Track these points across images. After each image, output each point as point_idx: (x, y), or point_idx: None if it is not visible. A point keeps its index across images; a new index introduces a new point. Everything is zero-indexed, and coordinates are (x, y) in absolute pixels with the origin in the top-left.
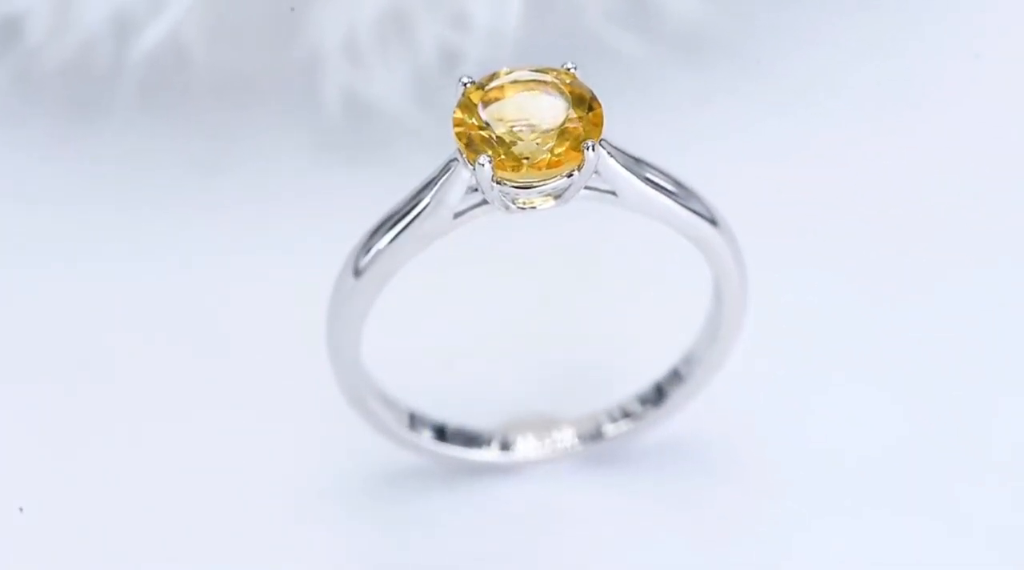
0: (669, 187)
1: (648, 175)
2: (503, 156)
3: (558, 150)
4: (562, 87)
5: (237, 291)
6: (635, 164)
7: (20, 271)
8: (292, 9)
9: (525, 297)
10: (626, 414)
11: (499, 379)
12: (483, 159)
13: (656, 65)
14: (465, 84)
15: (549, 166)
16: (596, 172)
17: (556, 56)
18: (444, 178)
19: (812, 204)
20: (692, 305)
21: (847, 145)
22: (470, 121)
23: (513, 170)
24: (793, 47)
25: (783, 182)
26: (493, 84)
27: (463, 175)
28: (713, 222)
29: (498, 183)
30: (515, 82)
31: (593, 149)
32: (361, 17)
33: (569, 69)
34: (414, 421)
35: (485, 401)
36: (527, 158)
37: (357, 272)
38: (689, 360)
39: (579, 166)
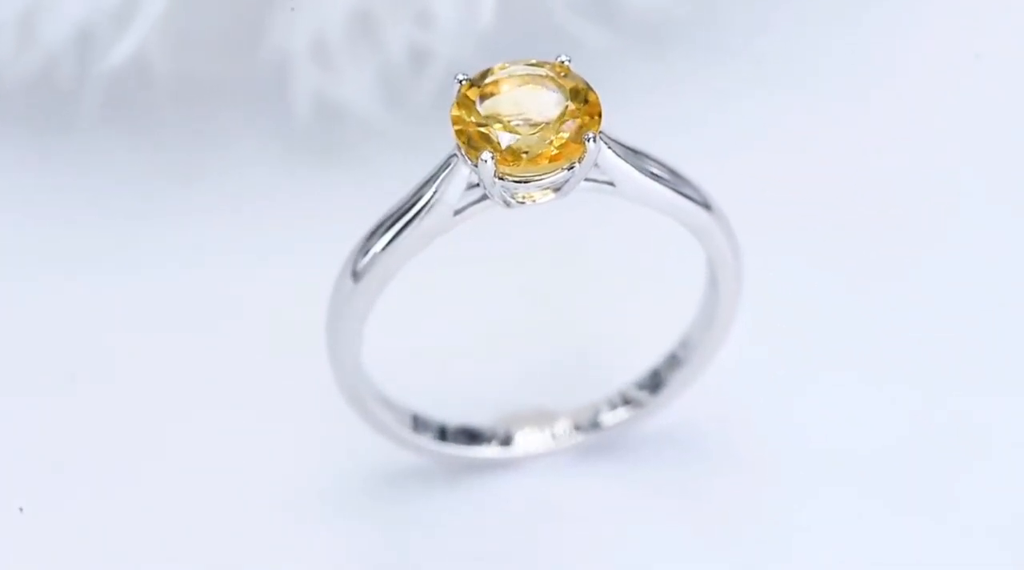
0: (663, 175)
1: (644, 164)
2: (503, 151)
3: (558, 143)
4: (558, 80)
5: (229, 291)
6: (632, 155)
7: (14, 272)
8: (292, 9)
9: (523, 295)
10: (625, 400)
11: (498, 377)
12: (485, 155)
13: (620, 56)
14: (460, 82)
15: (550, 160)
16: (595, 164)
17: (522, 50)
18: (444, 175)
19: (807, 198)
20: (690, 301)
21: (842, 142)
22: (468, 118)
23: (513, 165)
24: (785, 41)
25: (770, 172)
26: (488, 80)
27: (463, 172)
28: (707, 207)
29: (500, 179)
30: (510, 77)
31: (594, 140)
32: (328, 19)
33: (563, 62)
34: (417, 423)
35: (485, 399)
36: (526, 152)
37: (356, 274)
38: (686, 344)
39: (580, 158)
